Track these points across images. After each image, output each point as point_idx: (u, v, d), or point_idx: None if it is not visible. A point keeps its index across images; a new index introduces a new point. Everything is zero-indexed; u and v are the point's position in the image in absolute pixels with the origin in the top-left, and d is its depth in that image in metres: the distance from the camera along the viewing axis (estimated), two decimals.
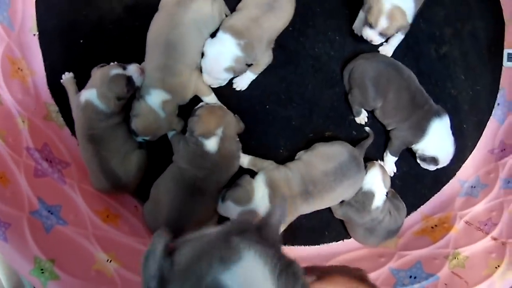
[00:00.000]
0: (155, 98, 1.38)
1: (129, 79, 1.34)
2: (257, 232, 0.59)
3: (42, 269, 1.15)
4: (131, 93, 1.38)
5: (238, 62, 1.43)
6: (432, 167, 1.58)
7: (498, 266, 1.42)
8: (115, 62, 1.42)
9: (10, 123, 1.38)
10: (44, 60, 1.54)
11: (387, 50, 1.61)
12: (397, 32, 1.50)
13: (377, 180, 1.47)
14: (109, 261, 1.32)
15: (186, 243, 0.57)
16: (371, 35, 1.50)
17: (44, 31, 1.54)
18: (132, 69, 1.37)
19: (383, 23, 1.44)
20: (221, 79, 1.49)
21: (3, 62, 1.42)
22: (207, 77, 1.47)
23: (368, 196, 1.46)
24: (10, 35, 1.46)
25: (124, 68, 1.36)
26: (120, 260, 1.34)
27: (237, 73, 1.47)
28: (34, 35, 1.54)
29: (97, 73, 1.36)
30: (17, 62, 1.49)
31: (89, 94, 1.35)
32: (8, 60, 1.45)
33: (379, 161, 1.57)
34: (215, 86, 1.51)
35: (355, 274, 0.95)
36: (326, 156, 1.44)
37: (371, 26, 1.48)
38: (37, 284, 1.14)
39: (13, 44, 1.47)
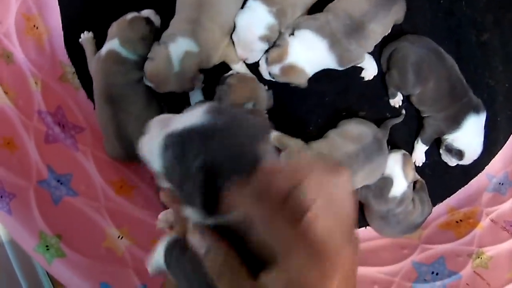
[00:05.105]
0: (179, 47, 1.18)
1: (147, 19, 1.24)
2: None
3: (47, 246, 0.99)
4: (154, 32, 1.25)
5: (272, 31, 1.23)
6: (454, 161, 1.40)
7: None
8: None
9: (21, 84, 1.21)
10: (62, 18, 1.34)
11: (369, 75, 1.39)
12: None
13: (397, 168, 1.30)
14: (120, 237, 1.16)
15: None
16: (262, 69, 1.31)
17: None
18: (147, 12, 1.27)
19: (275, 69, 1.26)
20: (257, 51, 1.29)
21: (18, 18, 1.23)
22: (241, 50, 1.28)
23: (386, 182, 1.29)
24: None
25: (139, 13, 1.26)
26: (132, 237, 1.18)
27: (271, 43, 1.27)
28: None
29: (114, 25, 1.24)
30: (32, 19, 1.30)
31: (111, 43, 1.22)
32: (23, 16, 1.26)
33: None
34: (251, 61, 1.32)
35: None
36: (350, 137, 1.26)
37: (267, 61, 1.28)
38: (42, 262, 0.98)
39: (30, 0, 1.28)
